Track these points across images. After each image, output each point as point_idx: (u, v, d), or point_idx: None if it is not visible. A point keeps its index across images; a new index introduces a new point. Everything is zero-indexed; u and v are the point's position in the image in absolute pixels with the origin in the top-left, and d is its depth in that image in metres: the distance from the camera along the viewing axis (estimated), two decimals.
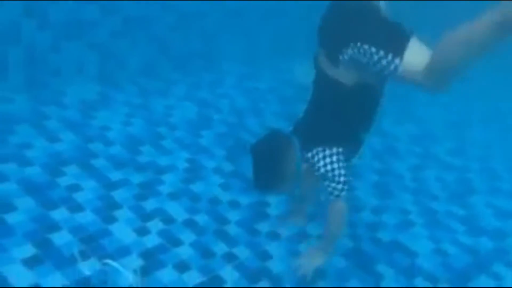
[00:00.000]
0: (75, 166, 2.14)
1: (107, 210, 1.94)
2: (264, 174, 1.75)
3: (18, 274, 1.57)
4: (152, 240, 1.85)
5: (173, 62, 3.18)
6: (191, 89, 3.09)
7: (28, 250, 1.67)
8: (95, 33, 2.73)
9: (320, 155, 1.70)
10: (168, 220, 1.97)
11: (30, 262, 1.63)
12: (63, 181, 2.03)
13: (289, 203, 2.18)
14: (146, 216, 1.96)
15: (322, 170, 1.69)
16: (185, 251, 1.84)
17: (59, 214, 1.85)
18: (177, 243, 1.87)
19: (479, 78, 3.68)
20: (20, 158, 2.10)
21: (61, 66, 2.67)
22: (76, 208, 1.91)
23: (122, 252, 1.76)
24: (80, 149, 2.27)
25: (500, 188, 2.76)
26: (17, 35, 2.45)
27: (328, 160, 1.69)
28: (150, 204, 2.03)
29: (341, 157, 1.70)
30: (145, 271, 1.69)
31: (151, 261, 1.76)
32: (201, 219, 2.02)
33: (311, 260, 1.81)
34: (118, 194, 2.04)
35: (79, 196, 1.97)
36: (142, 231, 1.88)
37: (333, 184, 1.68)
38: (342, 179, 1.68)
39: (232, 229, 2.01)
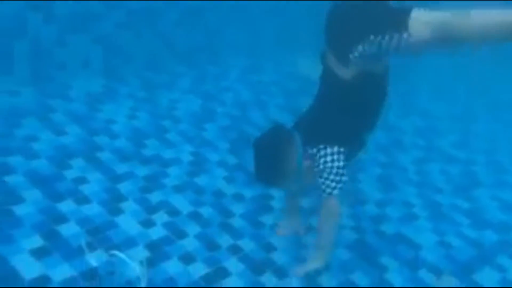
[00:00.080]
0: (81, 159, 2.16)
1: (113, 202, 1.96)
2: (265, 169, 1.75)
3: (26, 265, 1.59)
4: (157, 232, 1.87)
5: (177, 56, 3.18)
6: (195, 82, 3.09)
7: (36, 241, 1.69)
8: (100, 27, 2.74)
9: (322, 152, 1.71)
10: (173, 212, 1.99)
11: (38, 253, 1.65)
12: (70, 173, 2.05)
13: (286, 201, 2.13)
14: (152, 209, 1.98)
15: (321, 166, 1.70)
16: (190, 243, 1.86)
17: (66, 206, 1.88)
18: (182, 235, 1.89)
19: (484, 71, 3.66)
20: (27, 151, 2.12)
21: (66, 59, 2.68)
22: (83, 200, 1.93)
23: (128, 243, 1.78)
24: (85, 142, 2.29)
25: (505, 181, 2.75)
26: (23, 29, 2.46)
27: (329, 158, 1.69)
28: (155, 197, 2.05)
29: (342, 157, 1.70)
30: (151, 263, 1.71)
31: (157, 252, 1.78)
32: (205, 211, 2.04)
33: (306, 266, 1.81)
34: (124, 187, 2.06)
35: (85, 189, 1.99)
36: (147, 223, 1.90)
37: (327, 182, 1.68)
38: (337, 178, 1.68)
39: (237, 222, 2.02)
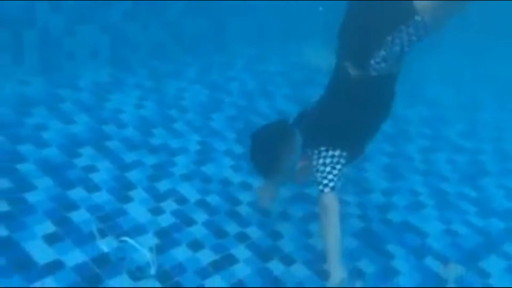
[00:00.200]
0: (90, 148, 2.18)
1: (122, 190, 1.98)
2: (258, 160, 1.75)
3: (40, 250, 1.63)
4: (166, 220, 1.90)
5: (183, 45, 3.19)
6: (202, 72, 3.10)
7: (49, 227, 1.73)
8: (107, 17, 2.75)
9: (323, 154, 1.71)
10: (181, 200, 2.02)
11: (51, 239, 1.69)
12: (79, 161, 2.08)
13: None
14: (160, 197, 2.00)
15: (321, 167, 1.70)
16: (198, 230, 1.88)
17: (77, 193, 1.91)
18: (190, 222, 1.91)
19: (490, 61, 3.63)
20: (37, 139, 2.15)
21: (74, 49, 2.70)
22: (93, 188, 1.96)
23: (138, 230, 1.81)
24: (94, 131, 2.31)
25: None
26: (31, 19, 2.48)
27: (328, 160, 1.70)
28: (163, 185, 2.07)
29: (342, 160, 1.71)
30: (160, 249, 1.74)
31: (166, 239, 1.81)
32: (213, 199, 2.06)
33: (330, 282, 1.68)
34: (133, 175, 2.08)
35: (95, 177, 2.01)
36: (156, 211, 1.93)
37: (320, 179, 1.68)
38: (330, 176, 1.67)
39: (244, 210, 2.04)
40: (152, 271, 1.64)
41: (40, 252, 1.62)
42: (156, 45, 3.05)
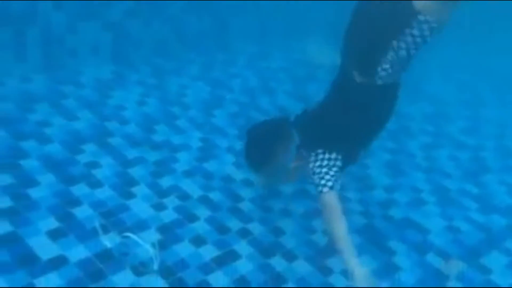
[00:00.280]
0: (93, 144, 2.19)
1: (125, 186, 1.99)
2: (252, 155, 1.76)
3: (43, 246, 1.64)
4: (168, 216, 1.91)
5: (186, 42, 3.19)
6: (204, 69, 3.10)
7: (52, 223, 1.74)
8: (109, 13, 2.75)
9: (320, 156, 1.71)
10: (184, 196, 2.02)
11: (54, 235, 1.70)
12: (82, 158, 2.09)
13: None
14: (163, 193, 2.01)
15: (317, 170, 1.69)
16: (200, 226, 1.89)
17: (80, 189, 1.92)
18: (193, 218, 1.92)
19: (492, 56, 3.62)
20: (40, 136, 2.16)
21: (77, 46, 2.70)
22: (96, 184, 1.97)
23: (141, 226, 1.82)
24: (97, 127, 2.32)
25: None
26: (34, 16, 2.48)
27: (325, 162, 1.70)
28: (165, 181, 2.08)
29: (339, 163, 1.71)
30: (162, 245, 1.75)
31: (168, 235, 1.82)
32: (215, 196, 2.07)
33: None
34: (135, 171, 2.09)
35: (97, 173, 2.02)
36: (159, 207, 1.94)
37: (318, 180, 1.68)
38: (327, 177, 1.67)
39: (246, 206, 2.05)
40: (155, 266, 1.65)
41: (43, 248, 1.63)
42: (158, 42, 3.05)
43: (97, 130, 2.29)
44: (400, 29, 1.58)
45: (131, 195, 1.96)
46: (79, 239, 1.70)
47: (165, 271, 1.66)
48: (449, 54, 3.47)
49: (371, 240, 2.00)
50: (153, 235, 1.79)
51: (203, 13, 3.19)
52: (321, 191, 1.67)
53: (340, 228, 1.62)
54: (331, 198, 1.66)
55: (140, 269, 1.64)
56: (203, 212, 1.96)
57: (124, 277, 1.61)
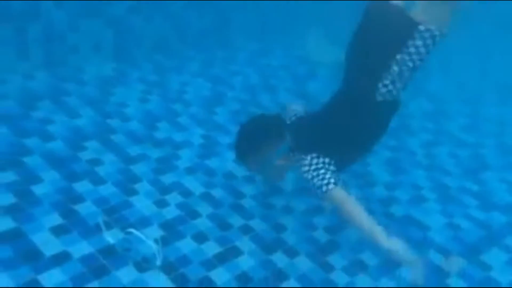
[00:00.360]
0: (95, 141, 2.20)
1: (127, 183, 2.00)
2: (240, 147, 1.78)
3: (47, 242, 1.65)
4: (171, 212, 1.92)
5: (186, 39, 3.20)
6: (205, 66, 3.11)
7: (55, 219, 1.75)
8: (111, 11, 2.75)
9: (314, 161, 1.72)
10: (186, 193, 2.03)
11: (58, 231, 1.71)
12: (85, 155, 2.10)
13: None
14: (165, 189, 2.02)
15: (315, 173, 1.70)
16: (202, 223, 1.90)
17: (82, 186, 1.93)
18: (195, 215, 1.93)
19: (493, 54, 3.63)
20: (43, 133, 2.17)
21: (78, 43, 2.71)
22: (98, 181, 1.97)
23: (143, 223, 1.83)
24: (99, 124, 2.33)
25: None
26: (35, 14, 2.48)
27: (320, 165, 1.71)
28: (168, 178, 2.09)
29: (333, 168, 1.73)
30: (165, 241, 1.76)
31: (171, 231, 1.83)
32: (217, 193, 2.08)
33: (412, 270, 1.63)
34: (137, 168, 2.10)
35: (100, 170, 2.03)
36: (161, 204, 1.95)
37: (319, 182, 1.69)
38: (327, 175, 1.69)
39: (247, 203, 2.06)
40: (158, 262, 1.66)
41: (47, 244, 1.64)
42: (160, 39, 3.06)
43: (99, 127, 2.30)
44: (403, 42, 1.60)
45: (133, 192, 1.97)
46: (82, 235, 1.71)
47: (168, 267, 1.67)
48: (449, 51, 3.48)
49: None
50: (156, 232, 1.80)
51: (204, 10, 3.19)
52: (326, 190, 1.68)
53: (362, 215, 1.63)
54: (339, 192, 1.67)
55: (143, 265, 1.66)
56: (205, 209, 1.97)
57: (127, 272, 1.62)
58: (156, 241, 1.72)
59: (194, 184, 2.09)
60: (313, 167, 1.71)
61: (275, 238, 1.91)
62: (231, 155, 2.34)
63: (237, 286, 1.67)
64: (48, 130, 2.19)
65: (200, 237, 1.83)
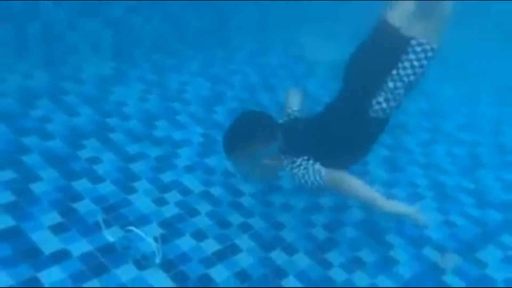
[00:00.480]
0: (94, 140, 2.21)
1: (126, 181, 2.01)
2: (229, 138, 1.76)
3: (46, 240, 1.66)
4: (170, 210, 1.93)
5: (186, 38, 3.20)
6: (204, 65, 3.12)
7: (54, 217, 1.75)
8: (110, 10, 2.76)
9: (304, 163, 1.74)
10: (185, 191, 2.05)
11: (57, 229, 1.71)
12: (83, 153, 2.10)
13: None
14: (164, 188, 2.03)
15: (304, 171, 1.72)
16: (202, 221, 1.91)
17: (81, 184, 1.93)
18: (194, 213, 1.94)
19: (490, 54, 3.65)
20: (42, 131, 2.17)
21: (77, 42, 2.71)
22: (97, 179, 1.98)
23: (142, 221, 1.84)
24: (98, 123, 2.34)
25: (509, 162, 2.78)
26: (35, 13, 2.49)
27: (310, 165, 1.73)
28: (167, 177, 2.10)
29: (323, 173, 1.73)
30: (164, 239, 1.77)
31: (170, 229, 1.84)
32: (216, 191, 2.09)
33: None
34: (136, 167, 2.11)
35: (99, 168, 2.04)
36: (160, 202, 1.96)
37: (312, 177, 1.70)
38: (316, 167, 1.71)
39: (246, 201, 2.08)
40: (157, 260, 1.67)
41: (46, 242, 1.65)
42: (159, 38, 3.07)
43: (98, 126, 2.31)
44: (397, 57, 1.66)
45: (132, 190, 1.98)
46: (81, 233, 1.72)
47: (167, 265, 1.68)
48: (446, 51, 3.49)
49: (370, 234, 2.03)
50: (155, 230, 1.81)
51: (203, 10, 3.20)
52: (321, 177, 1.70)
53: (363, 187, 1.68)
54: (332, 173, 1.70)
55: (143, 262, 1.67)
56: (204, 207, 1.98)
57: (127, 270, 1.63)
58: (155, 239, 1.73)
59: (193, 182, 2.10)
60: (302, 167, 1.73)
61: (274, 236, 1.93)
62: None
63: (236, 284, 1.68)
64: (47, 129, 2.20)
65: (199, 235, 1.85)
